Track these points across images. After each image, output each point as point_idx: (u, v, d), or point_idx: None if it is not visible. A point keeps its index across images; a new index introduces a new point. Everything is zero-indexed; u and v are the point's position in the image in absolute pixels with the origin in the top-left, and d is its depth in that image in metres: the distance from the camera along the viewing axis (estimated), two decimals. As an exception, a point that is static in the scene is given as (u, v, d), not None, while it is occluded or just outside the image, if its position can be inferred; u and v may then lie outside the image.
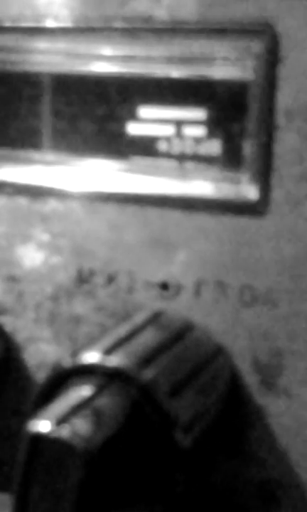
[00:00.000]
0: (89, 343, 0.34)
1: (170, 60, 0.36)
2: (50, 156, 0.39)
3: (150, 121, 0.37)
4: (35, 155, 0.40)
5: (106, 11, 0.37)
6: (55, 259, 0.40)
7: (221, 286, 0.37)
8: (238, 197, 0.36)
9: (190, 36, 0.36)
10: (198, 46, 0.36)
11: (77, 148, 0.39)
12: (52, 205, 0.39)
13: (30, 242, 0.40)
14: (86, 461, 0.28)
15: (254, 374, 0.36)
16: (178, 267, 0.37)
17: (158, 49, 0.37)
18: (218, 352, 0.36)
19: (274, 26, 0.34)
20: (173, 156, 0.37)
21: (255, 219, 0.36)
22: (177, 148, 0.37)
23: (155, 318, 0.37)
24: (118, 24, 0.37)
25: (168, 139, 0.37)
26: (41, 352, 0.40)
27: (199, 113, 0.36)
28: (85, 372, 0.32)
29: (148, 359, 0.33)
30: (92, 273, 0.39)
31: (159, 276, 0.38)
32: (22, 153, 0.40)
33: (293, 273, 0.35)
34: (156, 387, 0.32)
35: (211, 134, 0.36)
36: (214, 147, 0.36)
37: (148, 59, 0.37)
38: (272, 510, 0.37)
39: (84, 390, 0.31)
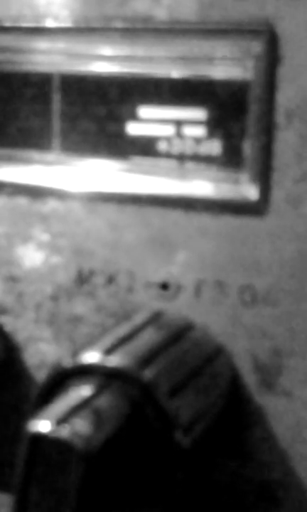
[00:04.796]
0: (89, 343, 0.34)
1: (170, 60, 0.36)
2: (50, 156, 0.39)
3: (150, 121, 0.37)
4: (35, 155, 0.40)
5: (106, 11, 0.37)
6: (55, 259, 0.40)
7: (221, 286, 0.37)
8: (238, 197, 0.36)
9: (190, 36, 0.36)
10: (198, 46, 0.36)
11: (77, 148, 0.39)
12: (52, 205, 0.39)
13: (30, 242, 0.40)
14: (86, 461, 0.28)
15: (254, 374, 0.36)
16: (178, 267, 0.37)
17: (158, 49, 0.37)
18: (218, 352, 0.36)
19: (274, 26, 0.34)
20: (173, 156, 0.37)
21: (255, 219, 0.36)
22: (177, 148, 0.37)
23: (155, 318, 0.37)
24: (118, 24, 0.37)
25: (168, 139, 0.37)
26: (41, 352, 0.40)
27: (199, 113, 0.36)
28: (85, 372, 0.32)
29: (148, 359, 0.33)
30: (92, 273, 0.39)
31: (159, 276, 0.38)
32: (22, 153, 0.40)
33: (293, 273, 0.35)
34: (156, 387, 0.32)
35: (211, 134, 0.36)
36: (214, 147, 0.36)
37: (148, 59, 0.37)
38: (272, 510, 0.37)
39: (84, 390, 0.31)
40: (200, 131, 0.37)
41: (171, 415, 0.32)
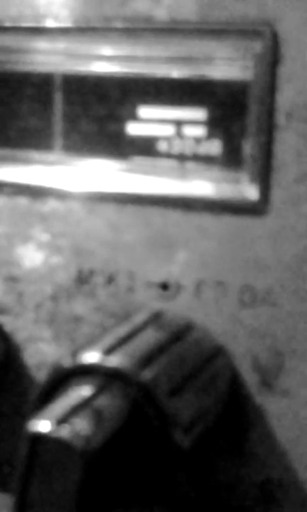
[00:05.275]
0: (89, 343, 0.34)
1: (170, 60, 0.36)
2: (50, 156, 0.39)
3: (150, 121, 0.37)
4: (35, 155, 0.40)
5: (106, 11, 0.37)
6: (55, 259, 0.40)
7: (221, 286, 0.37)
8: (238, 197, 0.36)
9: (190, 36, 0.36)
10: (198, 46, 0.36)
11: (77, 148, 0.39)
12: (52, 205, 0.39)
13: (30, 242, 0.40)
14: (86, 461, 0.28)
15: (254, 374, 0.36)
16: (178, 267, 0.37)
17: (158, 49, 0.37)
18: (218, 352, 0.36)
19: (274, 26, 0.34)
20: (173, 156, 0.37)
21: (255, 219, 0.36)
22: (177, 148, 0.37)
23: (155, 318, 0.37)
24: (118, 24, 0.37)
25: (168, 139, 0.37)
26: (41, 352, 0.40)
27: (199, 113, 0.36)
28: (85, 372, 0.32)
29: (147, 359, 0.33)
30: (92, 273, 0.39)
31: (159, 276, 0.38)
32: (22, 153, 0.40)
33: (293, 273, 0.35)
34: (156, 387, 0.32)
35: (211, 134, 0.36)
36: (214, 147, 0.36)
37: (148, 59, 0.37)
38: (272, 510, 0.37)
39: (84, 390, 0.31)
40: (200, 131, 0.37)
41: (171, 415, 0.32)
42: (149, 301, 0.38)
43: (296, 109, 0.34)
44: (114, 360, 0.32)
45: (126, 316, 0.37)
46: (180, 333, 0.36)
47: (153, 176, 0.38)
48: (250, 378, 0.37)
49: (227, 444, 0.37)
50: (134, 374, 0.32)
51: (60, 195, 0.39)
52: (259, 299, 0.36)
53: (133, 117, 0.38)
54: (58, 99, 0.39)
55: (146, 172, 0.38)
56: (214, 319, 0.37)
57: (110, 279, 0.39)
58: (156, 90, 0.37)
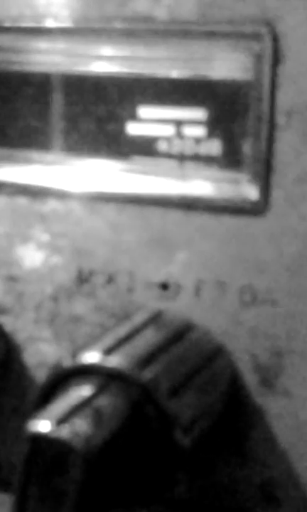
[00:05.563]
0: (89, 343, 0.34)
1: (170, 60, 0.36)
2: (50, 156, 0.39)
3: (150, 121, 0.37)
4: (35, 155, 0.40)
5: (106, 11, 0.37)
6: (55, 259, 0.40)
7: (221, 286, 0.37)
8: (238, 197, 0.36)
9: (190, 36, 0.36)
10: (198, 46, 0.36)
11: (77, 148, 0.39)
12: (52, 205, 0.39)
13: (30, 242, 0.40)
14: (86, 461, 0.28)
15: (254, 374, 0.36)
16: (178, 267, 0.37)
17: (158, 49, 0.37)
18: (218, 352, 0.36)
19: (274, 26, 0.34)
20: (173, 156, 0.37)
21: (255, 219, 0.36)
22: (177, 148, 0.37)
23: (155, 318, 0.37)
24: (118, 24, 0.37)
25: (168, 139, 0.37)
26: (41, 352, 0.40)
27: (199, 113, 0.36)
28: (85, 372, 0.32)
29: (147, 359, 0.33)
30: (92, 273, 0.39)
31: (159, 276, 0.38)
32: (22, 153, 0.40)
33: (293, 273, 0.35)
34: (156, 387, 0.32)
35: (211, 134, 0.36)
36: (214, 147, 0.36)
37: (148, 59, 0.37)
38: (272, 510, 0.37)
39: (84, 390, 0.31)
40: (200, 131, 0.37)
41: (171, 415, 0.32)
42: (149, 301, 0.38)
43: (296, 109, 0.34)
44: (114, 360, 0.32)
45: (126, 316, 0.37)
46: (180, 333, 0.36)
47: (153, 175, 0.38)
48: (250, 378, 0.37)
49: (227, 444, 0.37)
50: (134, 374, 0.32)
51: (60, 195, 0.39)
52: (259, 299, 0.36)
53: (133, 117, 0.38)
54: (58, 99, 0.39)
55: (146, 172, 0.38)
56: (214, 319, 0.37)
57: (110, 279, 0.39)
58: (156, 90, 0.37)
